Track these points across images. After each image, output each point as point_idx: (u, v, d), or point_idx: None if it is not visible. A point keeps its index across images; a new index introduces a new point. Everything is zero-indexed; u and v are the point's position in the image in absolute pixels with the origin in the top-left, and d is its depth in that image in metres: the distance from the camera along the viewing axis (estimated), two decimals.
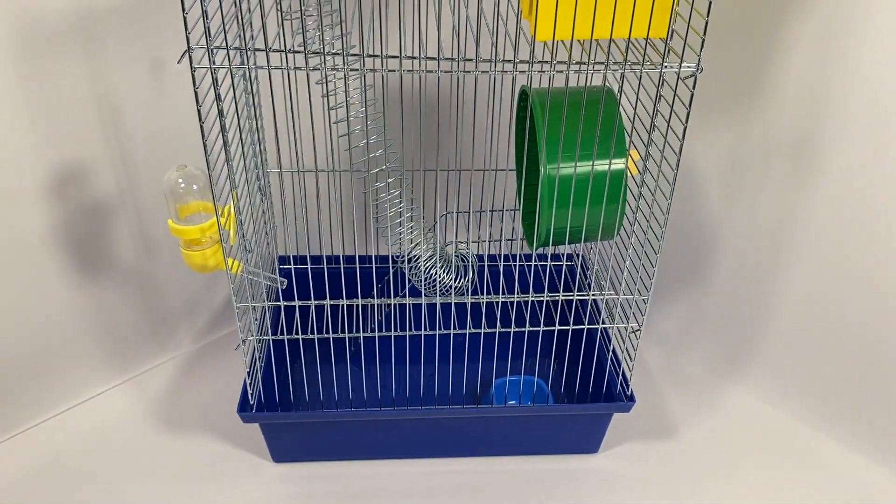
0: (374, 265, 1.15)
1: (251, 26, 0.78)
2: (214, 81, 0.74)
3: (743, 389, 1.15)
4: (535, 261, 1.20)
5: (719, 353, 1.17)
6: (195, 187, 0.82)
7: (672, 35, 0.75)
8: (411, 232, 0.97)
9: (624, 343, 0.98)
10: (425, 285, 1.00)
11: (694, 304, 1.19)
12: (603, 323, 0.98)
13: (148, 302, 1.14)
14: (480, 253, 1.18)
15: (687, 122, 0.77)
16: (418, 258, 0.99)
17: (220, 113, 0.76)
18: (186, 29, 0.69)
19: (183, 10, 0.68)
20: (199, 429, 1.07)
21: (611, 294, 0.93)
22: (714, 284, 1.15)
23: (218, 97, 0.75)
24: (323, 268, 1.08)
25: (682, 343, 1.22)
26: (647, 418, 1.10)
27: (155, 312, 1.16)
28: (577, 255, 1.20)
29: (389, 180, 0.93)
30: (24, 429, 1.06)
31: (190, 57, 0.70)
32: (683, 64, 0.74)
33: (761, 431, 1.09)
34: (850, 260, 0.97)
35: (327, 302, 0.93)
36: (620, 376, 0.99)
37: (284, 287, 0.93)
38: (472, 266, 1.03)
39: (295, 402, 1.04)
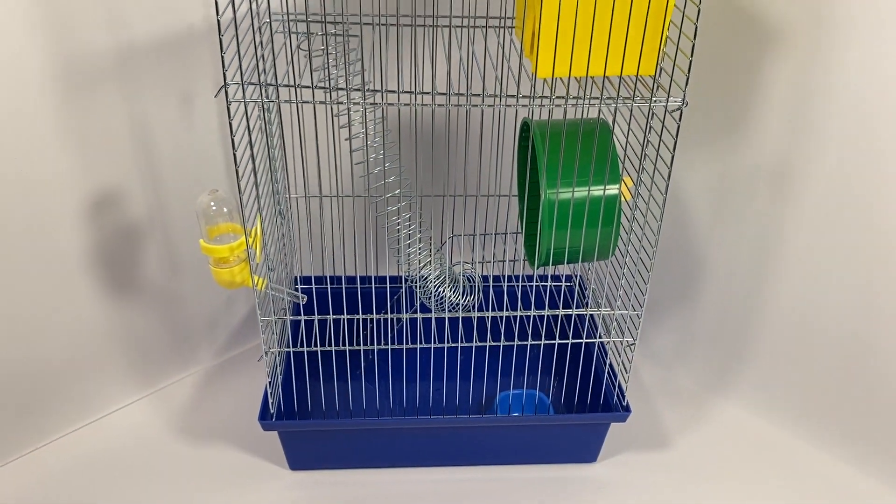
0: (387, 285, 1.22)
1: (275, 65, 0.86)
2: (246, 114, 0.82)
3: (733, 402, 1.21)
4: (536, 281, 1.27)
5: (710, 368, 1.24)
6: (225, 210, 0.89)
7: (660, 72, 0.83)
8: (421, 253, 1.04)
9: (619, 356, 1.04)
10: (434, 303, 1.06)
11: (686, 322, 1.26)
12: (599, 337, 1.05)
13: (172, 320, 1.21)
14: (486, 273, 1.25)
15: (674, 151, 0.85)
16: (427, 278, 1.05)
17: (251, 143, 0.84)
18: (224, 66, 0.77)
19: (221, 49, 0.76)
20: (219, 439, 1.13)
21: (607, 310, 1.00)
22: (704, 304, 1.22)
23: (249, 128, 0.83)
24: (340, 287, 1.15)
25: (675, 359, 1.28)
26: (642, 430, 1.16)
27: (178, 330, 1.22)
28: (576, 276, 1.27)
29: (401, 204, 1.00)
30: (54, 438, 1.12)
31: (226, 91, 0.78)
32: (670, 99, 0.82)
33: (751, 441, 1.15)
34: (830, 278, 1.04)
35: (344, 316, 1.00)
36: (616, 388, 1.05)
37: (304, 302, 1.00)
38: (478, 285, 1.10)
39: (311, 412, 1.10)
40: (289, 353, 1.09)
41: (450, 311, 1.06)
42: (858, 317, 1.04)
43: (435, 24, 1.00)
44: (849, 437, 1.10)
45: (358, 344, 1.05)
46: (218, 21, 0.74)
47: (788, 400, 1.16)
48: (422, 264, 1.04)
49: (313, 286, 0.99)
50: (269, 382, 0.99)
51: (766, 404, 1.18)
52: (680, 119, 0.83)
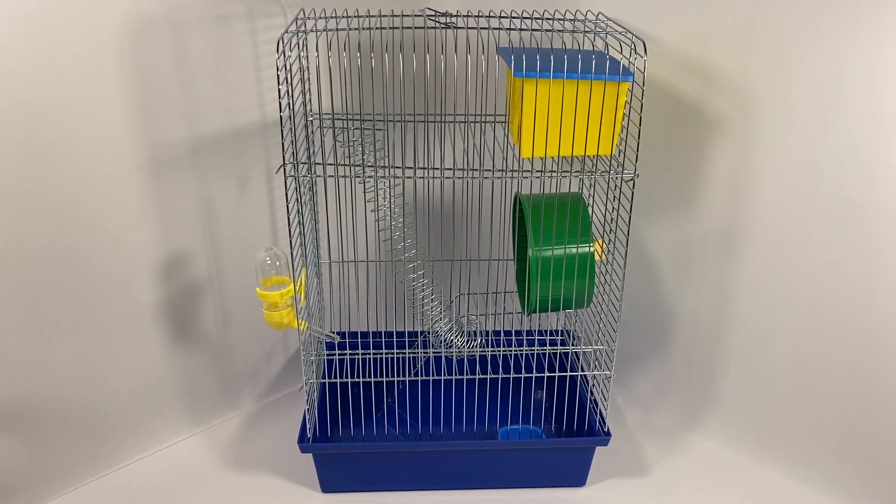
0: (406, 339, 1.43)
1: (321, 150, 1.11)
2: (297, 186, 1.06)
3: (704, 436, 1.39)
4: (531, 335, 1.48)
5: (684, 407, 1.42)
6: (277, 264, 1.12)
7: (619, 152, 1.07)
8: (432, 302, 1.25)
9: (599, 388, 1.24)
10: (445, 349, 1.26)
11: (660, 369, 1.45)
12: (582, 370, 1.25)
13: (221, 368, 1.41)
14: (488, 328, 1.46)
15: (631, 212, 1.08)
16: (439, 332, 1.26)
17: (300, 211, 1.08)
18: (283, 151, 1.01)
19: (282, 138, 1.01)
20: (258, 469, 1.30)
21: (587, 347, 1.20)
22: (675, 352, 1.41)
23: (299, 199, 1.07)
24: (368, 341, 1.36)
25: (653, 401, 1.46)
26: (626, 460, 1.33)
27: (226, 377, 1.43)
28: (565, 329, 1.47)
29: (416, 263, 1.23)
30: (118, 468, 1.30)
31: (285, 170, 1.02)
32: (624, 172, 1.06)
33: (720, 469, 1.32)
34: (778, 321, 1.24)
35: (371, 352, 1.21)
36: (598, 415, 1.24)
37: (338, 342, 1.21)
38: (481, 333, 1.31)
39: (342, 437, 1.29)
40: (324, 386, 1.29)
41: (458, 352, 1.26)
42: (800, 359, 1.23)
43: (444, 120, 1.26)
44: (805, 461, 1.26)
45: (384, 376, 1.25)
46: (281, 117, 0.99)
47: (751, 432, 1.33)
48: (433, 317, 1.25)
49: (347, 340, 1.20)
50: (307, 409, 1.18)
51: (732, 437, 1.36)
52: (633, 187, 1.06)
